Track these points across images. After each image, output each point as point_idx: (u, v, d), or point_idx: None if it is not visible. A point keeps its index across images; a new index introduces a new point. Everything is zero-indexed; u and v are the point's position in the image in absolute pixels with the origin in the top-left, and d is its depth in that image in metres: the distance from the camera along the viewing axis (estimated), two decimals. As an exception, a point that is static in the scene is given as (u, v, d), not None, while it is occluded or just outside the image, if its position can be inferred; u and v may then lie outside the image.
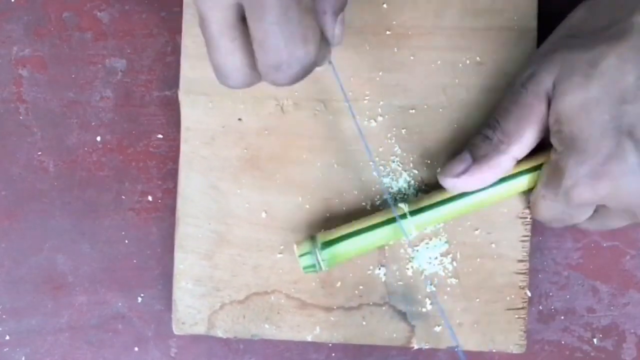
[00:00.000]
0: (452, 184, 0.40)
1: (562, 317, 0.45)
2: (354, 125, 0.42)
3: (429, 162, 0.43)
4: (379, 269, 0.43)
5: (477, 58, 0.43)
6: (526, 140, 0.39)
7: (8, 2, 0.45)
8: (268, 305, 0.43)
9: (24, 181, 0.46)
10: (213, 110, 0.43)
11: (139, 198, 0.45)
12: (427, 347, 0.43)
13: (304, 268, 0.41)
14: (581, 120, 0.36)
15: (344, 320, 0.43)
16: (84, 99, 0.45)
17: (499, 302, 0.43)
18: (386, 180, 0.43)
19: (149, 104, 0.45)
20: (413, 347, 0.43)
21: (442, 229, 0.42)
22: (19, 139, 0.46)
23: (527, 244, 0.42)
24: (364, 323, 0.43)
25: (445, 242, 0.43)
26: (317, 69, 0.37)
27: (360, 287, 0.43)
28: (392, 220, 0.41)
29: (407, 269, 0.43)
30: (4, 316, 0.46)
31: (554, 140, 0.38)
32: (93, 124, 0.45)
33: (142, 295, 0.45)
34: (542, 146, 0.40)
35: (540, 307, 0.45)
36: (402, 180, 0.43)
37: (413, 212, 0.41)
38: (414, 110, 0.43)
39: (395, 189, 0.43)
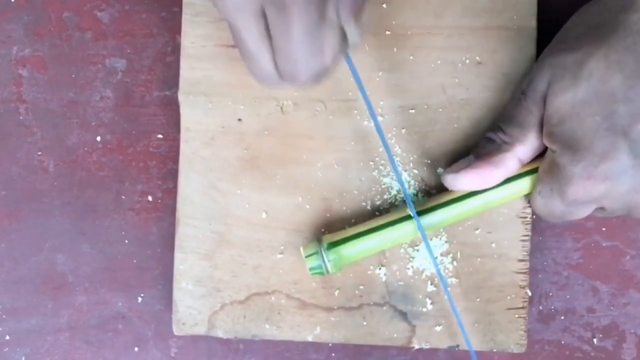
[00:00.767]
0: (451, 178, 0.40)
1: (562, 317, 0.45)
2: (372, 122, 0.42)
3: (429, 162, 0.43)
4: (380, 268, 0.43)
5: (477, 57, 0.43)
6: (530, 142, 0.39)
7: (8, 2, 0.45)
8: (268, 305, 0.43)
9: (24, 181, 0.46)
10: (213, 111, 0.43)
11: (139, 198, 0.45)
12: (427, 347, 0.43)
13: (311, 269, 0.41)
14: (573, 121, 0.36)
15: (345, 320, 0.43)
16: (84, 99, 0.45)
17: (500, 301, 0.43)
18: (386, 180, 0.43)
19: (149, 104, 0.45)
20: (413, 347, 0.43)
21: (442, 228, 0.43)
22: (19, 139, 0.46)
23: (528, 243, 0.42)
24: (365, 323, 0.43)
25: (446, 241, 0.43)
26: None
27: (361, 287, 0.43)
28: (400, 222, 0.41)
29: (408, 269, 0.43)
30: (4, 316, 0.46)
31: (548, 141, 0.38)
32: (93, 124, 0.45)
33: (142, 295, 0.45)
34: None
35: (541, 307, 0.45)
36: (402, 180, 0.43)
37: (421, 213, 0.41)
38: (414, 110, 0.43)
39: (395, 189, 0.43)
